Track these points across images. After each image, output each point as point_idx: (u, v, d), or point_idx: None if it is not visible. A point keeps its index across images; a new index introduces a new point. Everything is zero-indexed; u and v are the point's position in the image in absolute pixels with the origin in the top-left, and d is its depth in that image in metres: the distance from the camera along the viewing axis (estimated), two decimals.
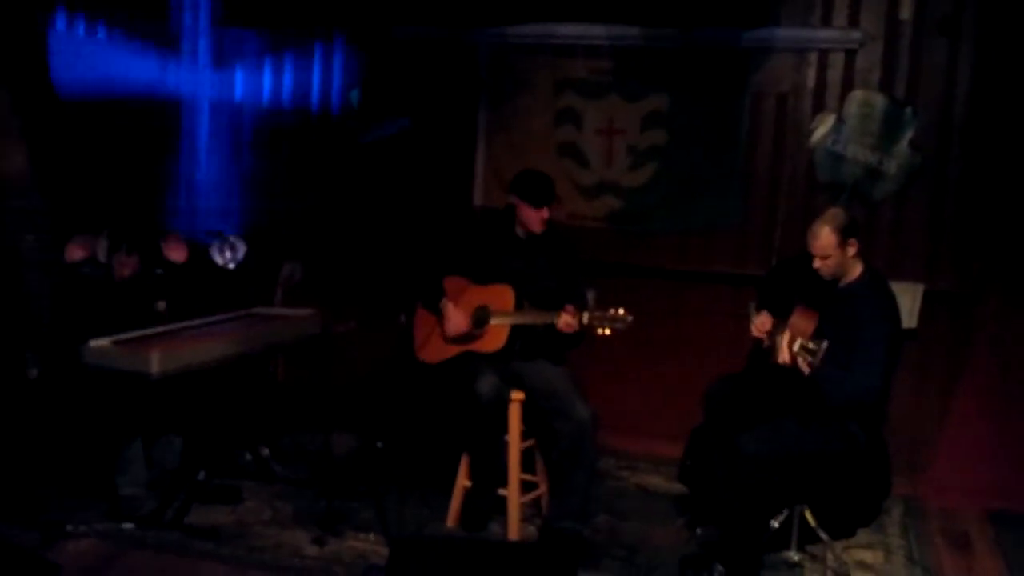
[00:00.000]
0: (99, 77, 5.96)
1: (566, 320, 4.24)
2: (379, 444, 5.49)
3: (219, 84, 6.70)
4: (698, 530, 4.52)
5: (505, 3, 6.08)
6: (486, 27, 6.17)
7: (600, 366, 5.65)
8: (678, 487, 4.98)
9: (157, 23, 6.43)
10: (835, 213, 4.10)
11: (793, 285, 4.40)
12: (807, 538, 4.35)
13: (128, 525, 4.34)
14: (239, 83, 6.72)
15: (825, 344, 3.74)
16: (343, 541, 4.36)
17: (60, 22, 5.87)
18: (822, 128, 5.66)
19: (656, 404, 5.87)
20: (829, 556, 4.32)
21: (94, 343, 4.19)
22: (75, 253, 4.89)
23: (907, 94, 5.52)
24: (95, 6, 6.15)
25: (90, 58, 5.98)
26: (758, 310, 4.43)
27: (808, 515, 4.31)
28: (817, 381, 3.84)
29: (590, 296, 4.81)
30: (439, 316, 4.53)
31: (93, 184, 5.72)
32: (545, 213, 4.47)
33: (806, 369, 3.82)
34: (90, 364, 4.15)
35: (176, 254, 5.24)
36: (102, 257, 4.86)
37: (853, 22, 5.59)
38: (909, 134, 5.50)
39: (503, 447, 4.41)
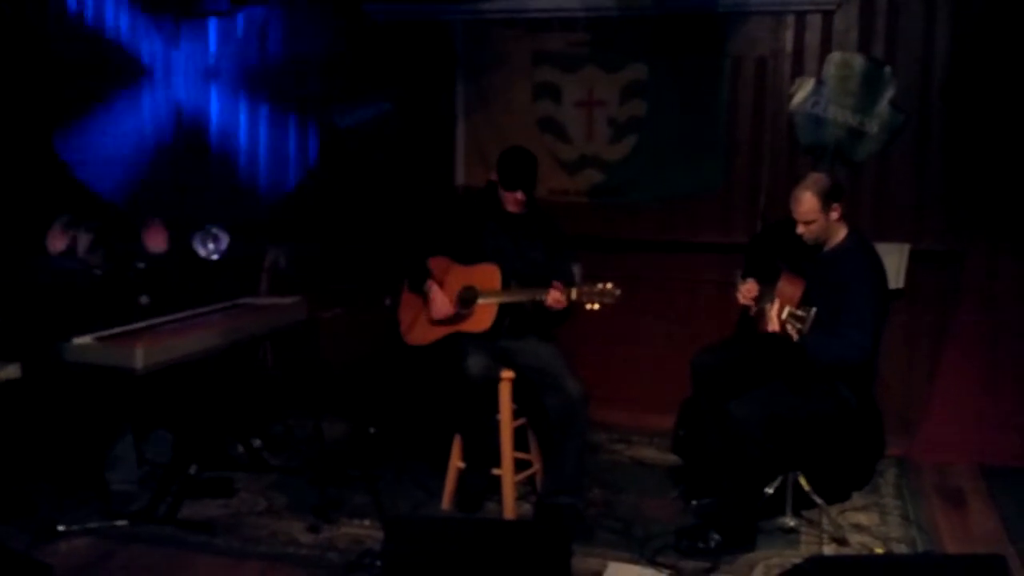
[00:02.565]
0: None
1: (554, 296, 4.22)
2: (371, 429, 5.48)
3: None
4: (694, 502, 4.52)
5: None
6: (460, 3, 6.11)
7: (590, 340, 5.65)
8: (672, 458, 4.98)
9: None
10: (817, 178, 4.09)
11: (778, 251, 4.39)
12: (802, 503, 4.36)
13: (121, 522, 4.31)
14: None
15: (813, 311, 3.73)
16: (338, 528, 4.34)
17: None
18: (802, 91, 5.64)
19: (647, 376, 5.86)
20: (824, 520, 4.33)
21: (77, 340, 4.15)
22: (56, 243, 4.82)
23: (886, 54, 5.50)
24: None
25: None
26: (744, 277, 4.42)
27: (802, 480, 4.32)
28: (806, 347, 3.83)
29: (577, 271, 4.79)
30: (425, 298, 4.51)
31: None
32: (520, 195, 4.42)
33: (795, 336, 3.80)
34: (74, 361, 4.11)
35: (155, 242, 5.19)
36: (82, 251, 4.81)
37: None
38: (889, 94, 5.48)
39: (495, 426, 4.40)
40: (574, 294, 4.21)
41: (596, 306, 4.19)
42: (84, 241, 4.87)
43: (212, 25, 6.53)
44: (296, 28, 6.41)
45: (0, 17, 5.50)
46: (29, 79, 5.74)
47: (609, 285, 4.17)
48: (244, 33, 6.48)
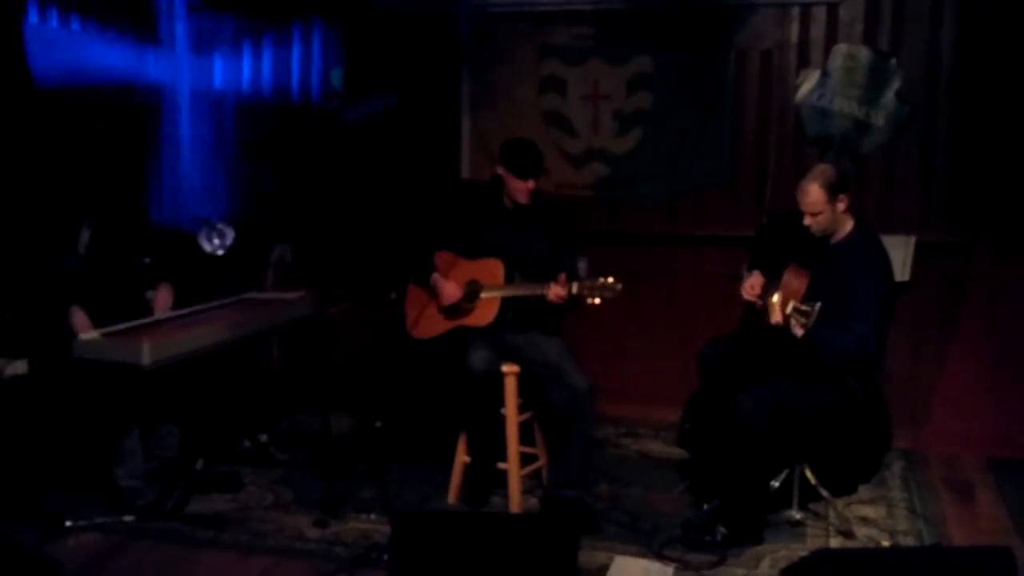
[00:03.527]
0: (75, 68, 5.89)
1: (556, 291, 4.22)
2: (378, 423, 5.48)
3: (198, 70, 6.63)
4: (705, 506, 4.47)
5: None
6: None
7: (596, 334, 5.65)
8: (679, 452, 4.99)
9: (131, 11, 6.35)
10: (824, 169, 4.08)
11: (784, 243, 4.38)
12: (808, 496, 4.36)
13: (128, 517, 4.31)
14: (218, 68, 6.65)
15: (818, 306, 3.72)
16: (345, 522, 4.35)
17: (33, 15, 5.79)
18: (807, 83, 5.62)
19: (653, 369, 5.86)
20: (831, 513, 4.33)
21: (84, 336, 4.16)
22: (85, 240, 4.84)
23: (891, 45, 5.48)
24: None
25: (65, 49, 5.91)
26: (750, 270, 4.41)
27: (808, 473, 4.31)
28: (811, 342, 3.82)
29: (582, 265, 4.79)
30: (430, 291, 4.51)
31: (72, 175, 5.67)
32: (532, 184, 4.42)
33: (799, 331, 3.80)
34: (80, 357, 4.11)
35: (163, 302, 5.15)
36: (81, 248, 4.81)
37: None
38: (895, 85, 5.46)
39: (500, 420, 4.40)
40: (575, 288, 4.21)
41: (597, 300, 4.18)
42: (83, 237, 4.88)
43: None
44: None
45: None
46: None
47: (610, 279, 4.16)
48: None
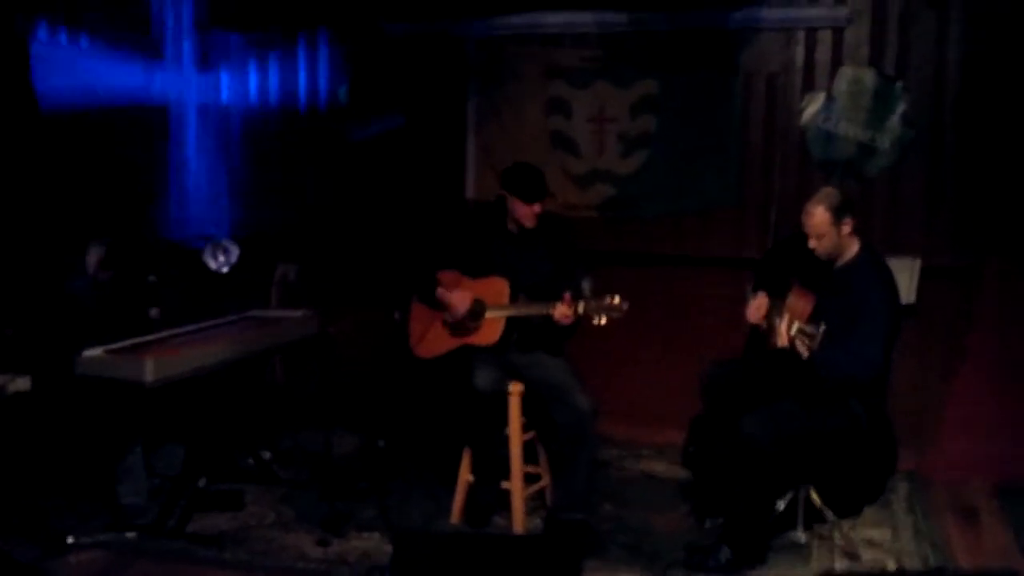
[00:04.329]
0: (83, 86, 5.92)
1: (561, 311, 4.22)
2: (381, 442, 5.47)
3: (205, 87, 6.66)
4: (708, 523, 4.47)
5: None
6: (474, 19, 6.14)
7: (600, 354, 5.62)
8: (683, 473, 4.96)
9: (139, 29, 6.39)
10: (829, 192, 4.08)
11: (790, 266, 4.37)
12: (813, 518, 4.33)
13: (130, 534, 4.30)
14: (225, 85, 6.68)
15: (823, 327, 3.71)
16: (347, 541, 4.33)
17: (42, 33, 5.83)
18: (812, 106, 5.64)
19: (658, 390, 5.84)
20: (836, 535, 4.30)
21: (87, 353, 4.16)
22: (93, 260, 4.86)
23: (897, 69, 5.50)
24: (77, 15, 6.11)
25: (74, 68, 5.94)
26: (755, 292, 4.40)
27: (814, 495, 4.29)
28: (816, 364, 3.81)
29: (587, 285, 4.78)
30: (436, 309, 4.51)
31: (80, 194, 5.69)
32: (537, 208, 4.43)
33: (805, 353, 3.79)
34: (84, 374, 4.11)
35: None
36: (91, 269, 4.82)
37: None
38: (901, 109, 5.47)
39: (504, 440, 4.39)
40: (581, 308, 4.20)
41: (603, 320, 4.18)
42: (93, 258, 4.89)
43: None
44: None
45: None
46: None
47: (616, 299, 4.16)
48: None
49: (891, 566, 4.08)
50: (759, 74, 5.76)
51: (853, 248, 4.08)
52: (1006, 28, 5.25)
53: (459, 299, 4.44)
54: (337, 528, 4.40)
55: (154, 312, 4.88)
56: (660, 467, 5.42)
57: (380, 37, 6.27)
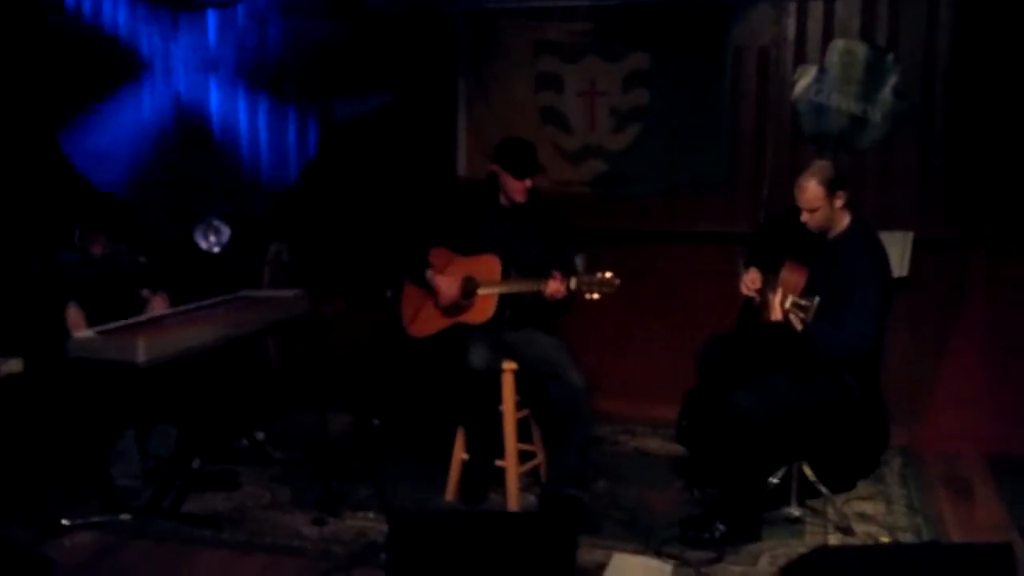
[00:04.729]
0: None
1: (553, 287, 4.21)
2: (375, 422, 5.47)
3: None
4: (695, 492, 4.50)
5: None
6: None
7: (593, 332, 5.63)
8: (677, 449, 4.97)
9: None
10: (822, 166, 4.07)
11: (782, 240, 4.37)
12: (807, 493, 4.35)
13: (125, 516, 4.30)
14: None
15: (817, 300, 3.71)
16: (342, 521, 4.33)
17: None
18: (804, 79, 5.62)
19: (651, 366, 5.85)
20: (830, 510, 4.32)
21: (79, 334, 4.14)
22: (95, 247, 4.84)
23: (888, 41, 5.47)
24: None
25: None
26: (747, 267, 4.40)
27: (807, 470, 4.30)
28: (810, 337, 3.81)
29: (579, 261, 4.77)
30: (426, 289, 4.50)
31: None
32: (528, 183, 4.42)
33: (799, 326, 3.79)
34: (76, 356, 4.09)
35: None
36: (78, 242, 4.79)
37: None
38: (892, 81, 5.45)
39: (498, 418, 4.39)
40: (573, 284, 4.20)
41: (596, 296, 4.17)
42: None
43: (211, 17, 6.50)
44: (296, 19, 6.38)
45: None
46: (29, 76, 5.72)
47: (608, 274, 4.15)
48: (244, 24, 6.45)
49: (885, 540, 4.10)
50: (750, 47, 5.73)
51: (845, 221, 4.08)
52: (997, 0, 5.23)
53: (447, 284, 4.43)
54: (332, 508, 4.40)
55: (145, 293, 4.86)
56: (654, 443, 5.43)
57: (368, 14, 6.20)
